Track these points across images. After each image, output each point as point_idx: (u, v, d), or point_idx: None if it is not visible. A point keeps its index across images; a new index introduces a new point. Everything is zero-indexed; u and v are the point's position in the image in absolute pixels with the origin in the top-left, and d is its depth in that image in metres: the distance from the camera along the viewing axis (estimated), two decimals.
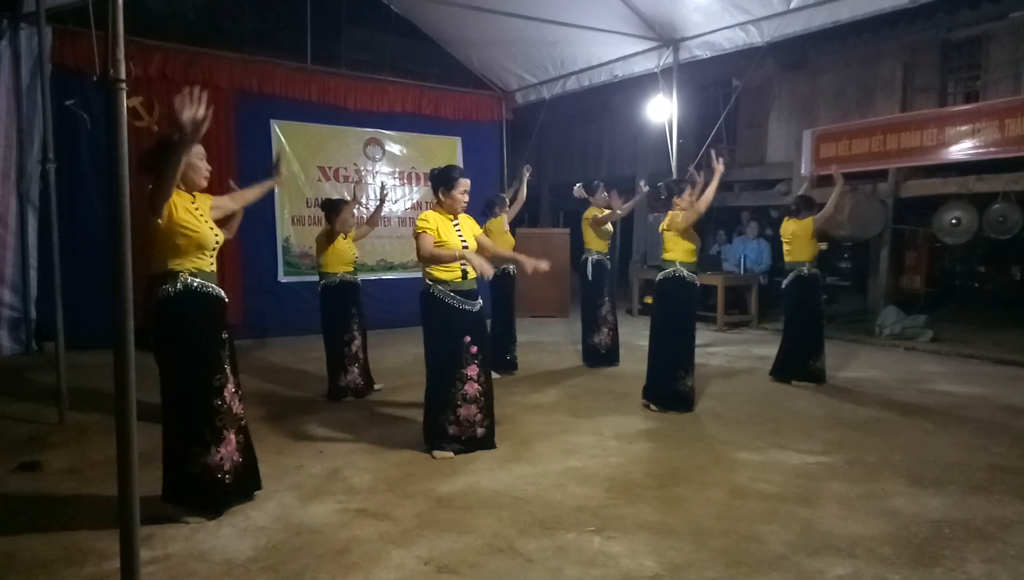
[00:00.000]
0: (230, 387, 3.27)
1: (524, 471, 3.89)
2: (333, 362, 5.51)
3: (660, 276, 5.15)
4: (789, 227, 6.03)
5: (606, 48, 8.31)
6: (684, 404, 5.14)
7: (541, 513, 3.32)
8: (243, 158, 7.98)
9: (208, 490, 3.20)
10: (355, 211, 5.64)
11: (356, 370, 5.48)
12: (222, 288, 3.31)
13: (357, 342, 5.46)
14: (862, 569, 2.80)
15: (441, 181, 4.15)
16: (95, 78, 6.07)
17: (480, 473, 3.86)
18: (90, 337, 6.32)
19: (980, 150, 8.11)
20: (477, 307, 4.18)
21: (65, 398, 4.72)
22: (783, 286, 6.17)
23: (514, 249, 6.26)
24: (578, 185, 6.70)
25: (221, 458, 3.21)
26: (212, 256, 3.24)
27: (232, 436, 3.27)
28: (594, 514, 3.32)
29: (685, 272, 5.03)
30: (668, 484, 3.73)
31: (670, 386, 5.13)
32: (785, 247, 6.10)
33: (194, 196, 3.25)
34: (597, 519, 3.26)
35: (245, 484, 3.39)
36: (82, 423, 4.69)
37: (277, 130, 8.59)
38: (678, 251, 5.06)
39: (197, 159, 3.21)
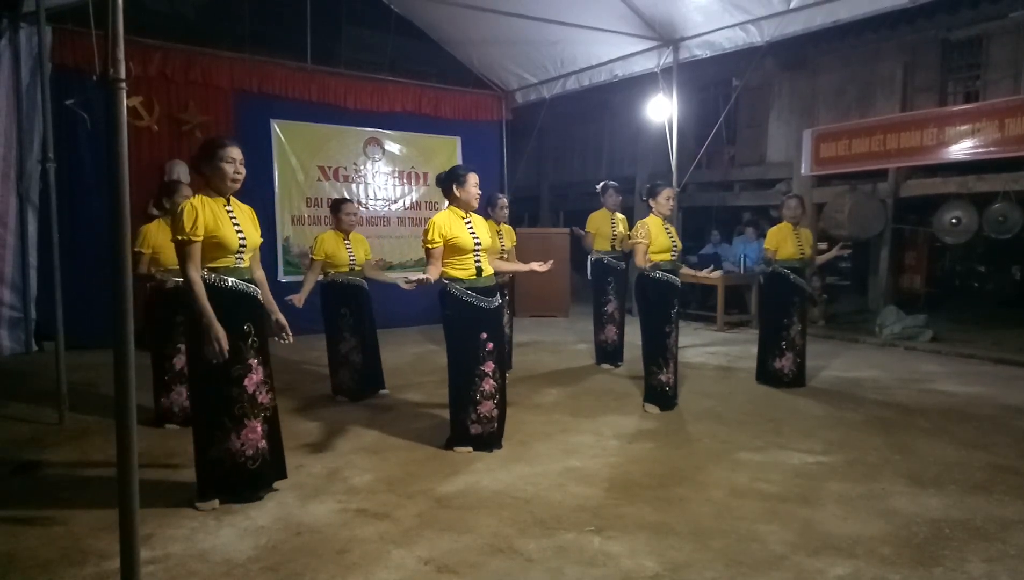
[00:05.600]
0: (254, 377, 3.34)
1: (524, 471, 3.89)
2: (329, 362, 5.56)
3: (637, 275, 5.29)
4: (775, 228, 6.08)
5: (606, 48, 8.31)
6: (658, 399, 5.17)
7: (541, 513, 3.32)
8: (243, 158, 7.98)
9: (232, 476, 3.33)
10: (356, 211, 5.63)
11: (347, 372, 5.45)
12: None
13: (347, 344, 5.42)
14: (862, 569, 2.80)
15: (452, 178, 4.16)
16: (95, 78, 6.05)
17: (480, 473, 3.86)
18: (90, 337, 6.32)
19: (980, 150, 8.11)
20: (494, 304, 4.20)
21: (65, 398, 4.72)
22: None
23: (515, 247, 6.37)
24: (600, 185, 7.00)
25: (243, 444, 3.32)
26: (238, 256, 3.31)
27: (257, 424, 3.36)
28: (594, 514, 3.32)
29: (653, 270, 5.12)
30: (668, 484, 3.73)
31: (647, 381, 5.24)
32: None
33: (228, 200, 3.34)
34: (597, 519, 3.26)
35: (272, 472, 3.49)
36: (82, 423, 4.69)
37: (277, 130, 8.59)
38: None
39: (224, 163, 3.26)
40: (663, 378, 5.15)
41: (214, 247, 3.22)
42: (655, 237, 5.08)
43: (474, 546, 2.98)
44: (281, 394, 5.60)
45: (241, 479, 3.36)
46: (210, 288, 3.22)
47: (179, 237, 3.15)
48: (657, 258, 5.12)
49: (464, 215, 4.18)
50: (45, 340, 7.01)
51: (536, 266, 4.39)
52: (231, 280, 3.28)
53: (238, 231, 3.29)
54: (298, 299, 5.08)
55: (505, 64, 9.70)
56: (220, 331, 3.12)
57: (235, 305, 3.30)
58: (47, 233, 5.40)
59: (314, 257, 5.33)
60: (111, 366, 2.23)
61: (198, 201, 3.23)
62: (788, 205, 5.92)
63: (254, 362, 3.34)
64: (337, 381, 5.50)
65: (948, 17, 8.98)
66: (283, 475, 3.57)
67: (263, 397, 3.39)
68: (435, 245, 4.04)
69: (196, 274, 3.15)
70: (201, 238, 3.16)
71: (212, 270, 3.25)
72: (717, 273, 5.86)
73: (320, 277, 5.40)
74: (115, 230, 2.21)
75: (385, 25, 9.28)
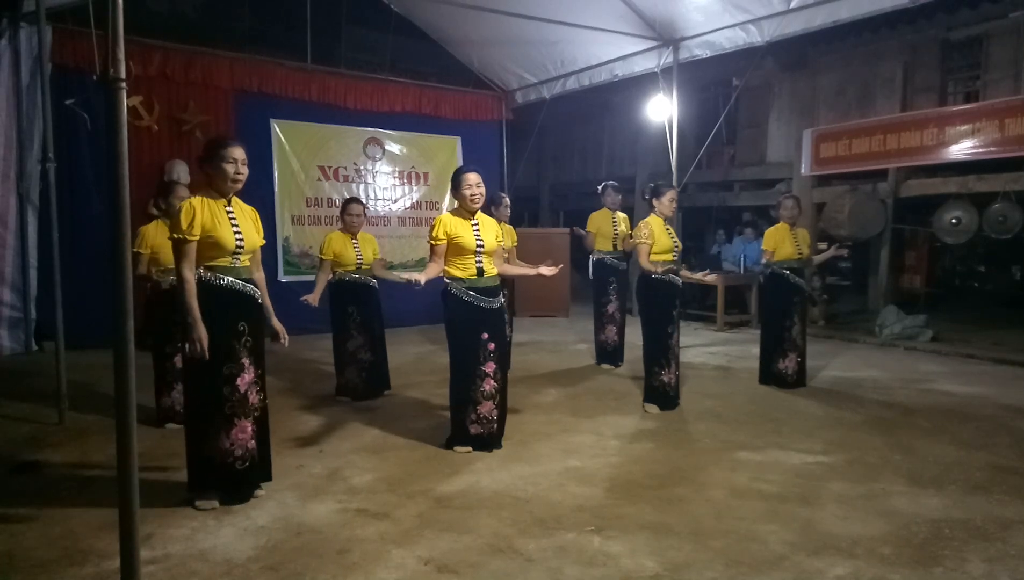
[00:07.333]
0: (246, 377, 3.34)
1: (524, 471, 3.89)
2: (335, 361, 5.57)
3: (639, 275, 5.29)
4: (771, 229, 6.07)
5: (606, 48, 8.31)
6: (658, 399, 5.18)
7: (541, 513, 3.32)
8: None
9: (221, 475, 3.33)
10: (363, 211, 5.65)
11: (354, 371, 5.47)
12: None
13: (355, 342, 5.44)
14: (862, 569, 2.80)
15: (452, 183, 4.23)
16: (95, 77, 6.05)
17: (480, 473, 3.86)
18: (90, 337, 6.31)
19: (980, 150, 8.11)
20: (496, 305, 4.21)
21: (65, 398, 4.72)
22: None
23: (516, 247, 6.38)
24: (600, 186, 7.00)
25: (232, 444, 3.32)
26: (235, 256, 3.32)
27: (247, 424, 3.36)
28: (594, 514, 3.32)
29: (657, 272, 5.12)
30: (668, 484, 3.73)
31: (648, 381, 5.24)
32: None
33: (230, 201, 3.35)
34: (597, 519, 3.26)
35: (259, 473, 3.48)
36: (82, 423, 4.69)
37: (277, 130, 8.59)
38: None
39: (225, 163, 3.27)
40: (665, 378, 5.15)
41: (211, 247, 3.25)
42: (658, 237, 5.08)
43: (474, 546, 2.98)
44: (282, 393, 5.64)
45: (229, 479, 3.35)
46: (206, 286, 3.25)
47: (175, 235, 3.22)
48: (659, 258, 5.12)
49: (470, 216, 4.19)
50: (45, 340, 7.01)
51: (544, 270, 4.40)
52: (228, 279, 3.30)
53: (236, 232, 3.31)
54: (313, 298, 5.18)
55: (505, 64, 9.70)
56: (202, 331, 3.16)
57: (230, 304, 3.31)
58: (47, 233, 5.40)
59: (323, 257, 5.38)
60: (111, 366, 2.23)
61: (197, 201, 3.26)
62: (784, 205, 5.92)
63: (247, 362, 3.35)
64: (343, 380, 5.51)
65: (948, 17, 8.98)
66: (268, 477, 3.54)
67: (254, 397, 3.39)
68: (439, 242, 4.07)
69: (189, 273, 3.20)
70: (197, 237, 3.19)
71: (209, 269, 3.28)
72: (712, 277, 5.85)
73: (328, 276, 5.43)
74: (115, 230, 2.21)
75: (385, 25, 9.27)
